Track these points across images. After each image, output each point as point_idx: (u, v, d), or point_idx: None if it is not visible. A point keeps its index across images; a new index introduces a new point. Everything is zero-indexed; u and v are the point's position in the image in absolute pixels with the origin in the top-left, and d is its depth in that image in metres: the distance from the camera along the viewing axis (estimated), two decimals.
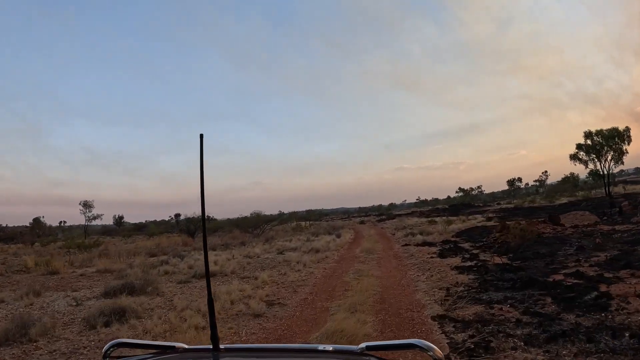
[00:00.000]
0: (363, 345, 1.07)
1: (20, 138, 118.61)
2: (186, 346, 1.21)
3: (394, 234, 24.06)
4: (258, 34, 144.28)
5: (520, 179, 69.30)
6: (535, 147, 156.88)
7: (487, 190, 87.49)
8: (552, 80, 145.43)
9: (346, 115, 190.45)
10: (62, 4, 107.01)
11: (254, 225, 39.14)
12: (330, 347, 1.12)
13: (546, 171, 76.52)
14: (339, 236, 25.39)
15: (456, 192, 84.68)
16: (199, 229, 41.75)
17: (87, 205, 57.70)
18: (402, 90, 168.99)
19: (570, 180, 70.19)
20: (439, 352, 0.98)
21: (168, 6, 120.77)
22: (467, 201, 76.47)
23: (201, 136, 1.17)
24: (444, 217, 36.37)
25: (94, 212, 58.43)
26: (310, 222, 50.27)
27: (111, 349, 1.20)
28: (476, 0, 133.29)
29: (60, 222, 66.49)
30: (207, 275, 1.26)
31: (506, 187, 75.80)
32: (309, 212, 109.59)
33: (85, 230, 58.18)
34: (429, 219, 32.96)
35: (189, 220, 36.09)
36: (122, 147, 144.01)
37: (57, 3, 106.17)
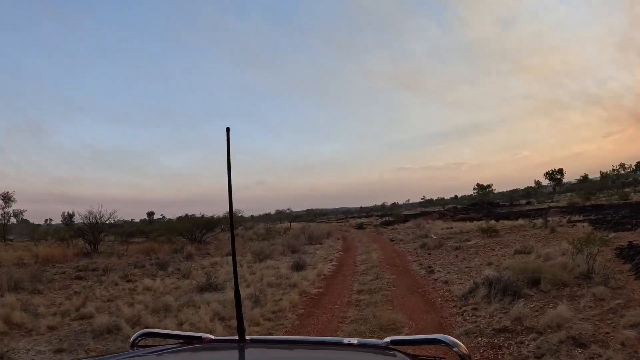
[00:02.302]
0: (388, 339, 1.03)
1: (24, 136, 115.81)
2: (212, 337, 1.20)
3: (431, 269, 9.34)
4: (259, 33, 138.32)
5: (561, 171, 54.23)
6: (537, 148, 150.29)
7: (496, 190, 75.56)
8: (554, 81, 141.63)
9: (348, 115, 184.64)
10: (65, 2, 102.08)
11: (192, 231, 24.98)
12: (355, 341, 1.09)
13: (562, 169, 66.54)
14: (301, 267, 10.87)
15: (474, 188, 70.34)
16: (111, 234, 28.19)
17: (6, 198, 43.43)
18: (404, 90, 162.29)
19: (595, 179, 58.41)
20: (464, 348, 0.95)
21: (170, 6, 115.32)
22: (488, 200, 62.09)
23: (227, 130, 1.16)
24: (493, 221, 21.68)
25: (15, 207, 44.39)
26: (289, 224, 35.82)
27: (139, 339, 1.19)
28: (479, 0, 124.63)
29: (46, 220, 60.21)
30: (234, 265, 1.24)
31: (507, 188, 64.16)
32: (308, 211, 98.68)
33: (5, 229, 43.94)
34: (480, 224, 18.20)
35: (77, 224, 21.68)
36: (125, 145, 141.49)
37: (61, 2, 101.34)
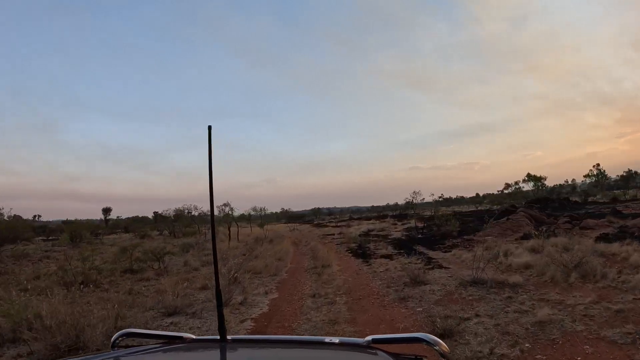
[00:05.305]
0: (369, 338, 1.00)
1: (36, 133, 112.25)
2: (194, 336, 1.14)
3: None
4: (269, 33, 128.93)
5: None
6: (551, 148, 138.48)
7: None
8: (567, 81, 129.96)
9: (359, 114, 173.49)
10: (77, 2, 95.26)
11: None
12: (336, 340, 1.05)
13: (598, 164, 52.77)
14: None
15: (524, 179, 50.42)
16: None
17: None
18: (414, 88, 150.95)
19: None
20: (445, 346, 0.93)
21: (180, 6, 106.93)
22: (542, 195, 42.86)
23: (209, 128, 1.10)
24: None
25: None
26: (230, 225, 17.58)
27: (120, 339, 1.12)
28: None
29: (35, 216, 52.97)
30: (216, 267, 1.16)
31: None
32: (314, 210, 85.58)
33: None
34: None
35: None
36: (135, 143, 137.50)
37: (72, 1, 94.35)
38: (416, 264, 8.79)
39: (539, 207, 29.29)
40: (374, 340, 0.98)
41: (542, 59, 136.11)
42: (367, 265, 9.35)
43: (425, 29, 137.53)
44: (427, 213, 37.14)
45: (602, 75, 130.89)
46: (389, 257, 10.37)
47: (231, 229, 20.95)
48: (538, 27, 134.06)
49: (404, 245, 12.69)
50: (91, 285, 9.36)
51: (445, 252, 10.62)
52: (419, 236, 15.67)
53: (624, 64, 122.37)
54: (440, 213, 17.46)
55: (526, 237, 12.08)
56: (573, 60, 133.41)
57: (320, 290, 6.72)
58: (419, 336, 0.93)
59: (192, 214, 33.16)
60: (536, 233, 10.19)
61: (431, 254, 10.47)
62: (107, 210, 56.59)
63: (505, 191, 60.26)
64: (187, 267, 11.66)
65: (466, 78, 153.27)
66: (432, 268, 8.06)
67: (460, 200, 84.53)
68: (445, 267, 8.08)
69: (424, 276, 6.79)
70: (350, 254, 11.92)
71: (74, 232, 24.29)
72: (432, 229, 16.34)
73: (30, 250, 21.15)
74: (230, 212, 20.68)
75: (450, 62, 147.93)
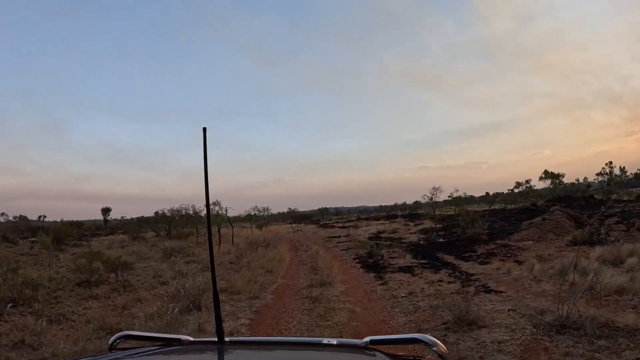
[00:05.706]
0: (367, 339, 0.98)
1: (43, 133, 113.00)
2: (192, 339, 1.11)
3: None
4: (274, 32, 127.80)
5: None
6: (559, 147, 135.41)
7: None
8: (575, 79, 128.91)
9: (365, 113, 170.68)
10: (80, 3, 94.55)
11: None
12: (334, 341, 1.03)
13: (611, 162, 48.46)
14: None
15: (541, 177, 47.20)
16: None
17: None
18: (421, 88, 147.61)
19: None
20: (442, 347, 0.90)
21: (183, 5, 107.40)
22: (582, 193, 39.91)
23: (204, 130, 1.11)
24: None
25: None
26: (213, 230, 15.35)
27: (117, 341, 1.11)
28: None
29: (40, 217, 51.35)
30: (213, 269, 1.18)
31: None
32: (321, 210, 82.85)
33: None
34: None
35: None
36: (142, 143, 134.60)
37: (75, 2, 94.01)
38: (450, 282, 6.34)
39: (563, 206, 26.67)
40: (372, 342, 0.96)
41: (549, 57, 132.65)
42: (381, 284, 6.92)
43: (432, 28, 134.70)
44: (440, 212, 34.47)
45: (611, 73, 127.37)
46: (409, 270, 7.92)
47: (225, 230, 18.63)
48: (545, 25, 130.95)
49: (426, 253, 10.22)
50: (20, 306, 7.19)
51: (482, 263, 8.14)
52: (440, 240, 13.17)
53: (632, 61, 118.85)
54: (465, 212, 14.84)
55: (579, 241, 9.54)
56: (581, 58, 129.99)
57: (313, 332, 4.33)
58: (417, 337, 0.91)
59: (189, 213, 30.92)
60: (611, 238, 7.64)
61: (465, 265, 8.00)
62: (106, 211, 54.48)
63: (516, 190, 57.38)
64: (156, 279, 9.37)
65: (473, 77, 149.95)
66: (478, 292, 5.61)
67: (470, 200, 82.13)
68: (496, 291, 5.62)
69: (475, 311, 4.34)
70: (359, 265, 9.49)
71: (58, 233, 22.28)
72: (455, 231, 13.82)
73: (5, 253, 19.17)
74: (221, 212, 18.29)
75: (457, 61, 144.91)
